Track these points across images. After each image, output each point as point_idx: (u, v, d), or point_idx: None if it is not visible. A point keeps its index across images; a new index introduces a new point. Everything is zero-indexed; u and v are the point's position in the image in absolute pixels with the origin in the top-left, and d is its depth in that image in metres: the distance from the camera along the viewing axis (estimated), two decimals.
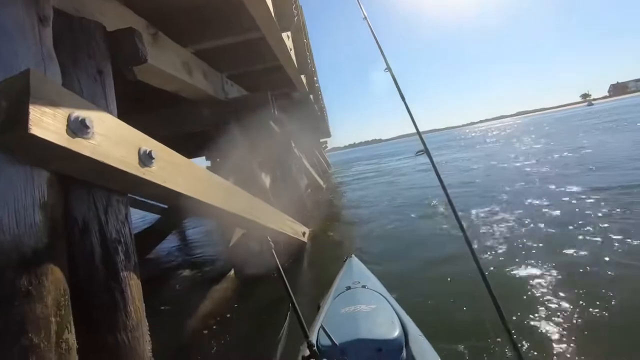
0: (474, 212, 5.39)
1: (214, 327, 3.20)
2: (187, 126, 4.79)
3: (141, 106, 4.27)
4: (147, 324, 1.87)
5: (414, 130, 2.04)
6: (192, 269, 5.15)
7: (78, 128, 1.45)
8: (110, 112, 1.92)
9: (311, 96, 8.17)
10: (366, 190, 10.81)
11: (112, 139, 1.66)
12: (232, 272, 4.29)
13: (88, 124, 1.49)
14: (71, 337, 1.43)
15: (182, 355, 2.86)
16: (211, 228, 7.06)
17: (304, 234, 5.06)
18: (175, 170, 2.10)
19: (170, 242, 7.36)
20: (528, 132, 26.62)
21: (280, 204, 5.30)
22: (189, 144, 7.59)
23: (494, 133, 38.00)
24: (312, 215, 7.33)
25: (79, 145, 1.44)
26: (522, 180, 7.39)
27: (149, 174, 1.86)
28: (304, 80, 6.63)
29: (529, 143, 17.17)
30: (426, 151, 1.87)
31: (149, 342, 1.84)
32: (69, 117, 1.43)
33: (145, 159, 1.84)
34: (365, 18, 2.45)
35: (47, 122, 1.33)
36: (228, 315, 3.41)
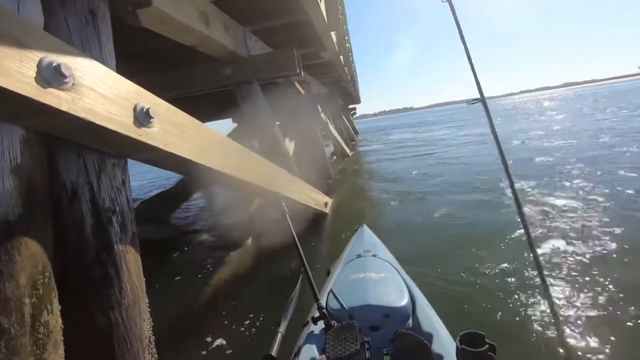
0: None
1: (228, 292, 3.17)
2: (206, 85, 4.51)
3: (156, 62, 4.01)
4: (147, 300, 1.71)
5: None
6: (211, 234, 5.08)
7: (52, 76, 1.19)
8: (105, 63, 1.65)
9: (341, 57, 7.59)
10: (405, 163, 9.59)
11: (99, 92, 1.40)
12: (250, 240, 4.16)
13: (65, 71, 1.22)
14: (52, 319, 1.26)
15: (197, 320, 2.82)
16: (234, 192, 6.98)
17: (325, 204, 4.82)
18: (179, 133, 1.84)
19: (194, 203, 7.39)
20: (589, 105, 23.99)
21: (304, 171, 5.09)
22: (207, 105, 7.42)
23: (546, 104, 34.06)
24: (337, 184, 7.07)
25: (52, 97, 1.19)
26: None
27: (146, 135, 1.61)
28: (334, 39, 6.08)
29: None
30: (482, 101, 1.70)
31: (149, 320, 1.68)
32: (40, 62, 1.17)
33: (142, 117, 1.59)
34: None
35: (8, 67, 1.08)
36: (243, 282, 3.36)
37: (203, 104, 10.02)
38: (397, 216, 4.83)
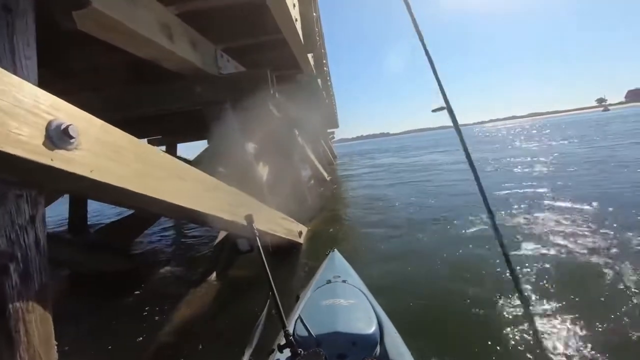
0: None
1: (190, 334, 2.87)
2: (174, 103, 4.19)
3: (118, 76, 3.68)
4: None
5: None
6: (174, 265, 4.61)
7: None
8: (18, 69, 1.32)
9: (319, 80, 7.50)
10: (386, 190, 9.01)
11: None
12: (214, 275, 3.75)
13: None
14: None
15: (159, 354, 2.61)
16: None
17: (300, 233, 4.48)
18: (113, 155, 1.51)
19: (159, 229, 6.86)
20: (551, 133, 25.17)
21: (278, 197, 4.77)
22: (176, 125, 7.01)
23: (517, 131, 35.67)
24: (313, 211, 6.75)
25: None
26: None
27: (63, 159, 1.27)
28: (312, 62, 5.97)
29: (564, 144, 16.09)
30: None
31: None
32: None
33: (58, 137, 1.25)
34: None
35: None
36: (206, 321, 3.04)
37: (178, 123, 9.65)
38: (378, 247, 4.54)
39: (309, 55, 5.49)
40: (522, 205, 5.36)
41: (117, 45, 2.60)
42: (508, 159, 12.37)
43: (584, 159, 9.95)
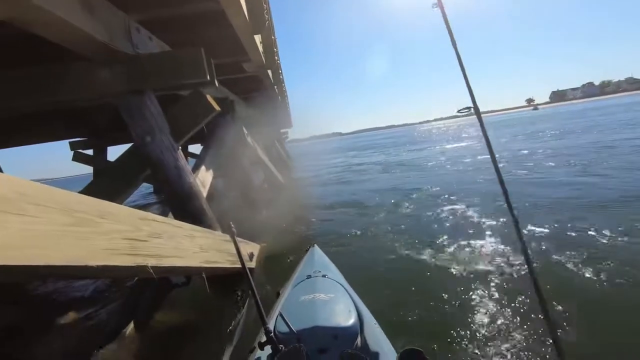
0: None
1: None
2: (71, 94, 3.09)
3: None
4: None
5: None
6: (82, 313, 3.46)
7: None
8: None
9: (269, 72, 6.61)
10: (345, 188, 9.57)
11: None
12: (132, 326, 2.75)
13: None
14: None
15: None
16: None
17: (251, 255, 3.61)
18: None
19: None
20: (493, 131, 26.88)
21: (224, 209, 3.87)
22: (103, 123, 5.79)
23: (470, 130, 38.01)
24: (268, 222, 5.86)
25: None
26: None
27: None
28: (260, 48, 5.08)
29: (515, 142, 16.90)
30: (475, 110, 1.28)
31: None
32: None
33: None
34: None
35: None
36: None
37: (106, 121, 8.17)
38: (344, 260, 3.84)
39: (257, 40, 4.60)
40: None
41: None
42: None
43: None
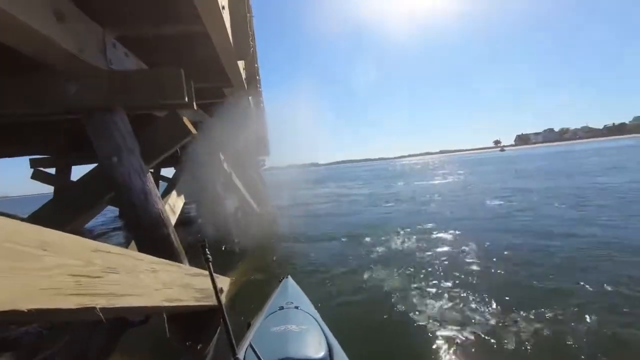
0: None
1: None
2: (34, 107, 2.84)
3: None
4: None
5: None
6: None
7: None
8: None
9: (250, 99, 6.54)
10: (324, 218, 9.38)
11: None
12: None
13: None
14: None
15: None
16: None
17: (220, 291, 3.31)
18: None
19: None
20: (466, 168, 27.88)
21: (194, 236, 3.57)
22: (69, 140, 5.47)
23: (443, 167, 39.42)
24: (241, 252, 5.55)
25: None
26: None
27: None
28: (243, 75, 5.01)
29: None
30: None
31: None
32: None
33: None
34: None
35: None
36: None
37: (71, 138, 7.67)
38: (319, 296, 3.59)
39: (240, 65, 4.53)
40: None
41: None
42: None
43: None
